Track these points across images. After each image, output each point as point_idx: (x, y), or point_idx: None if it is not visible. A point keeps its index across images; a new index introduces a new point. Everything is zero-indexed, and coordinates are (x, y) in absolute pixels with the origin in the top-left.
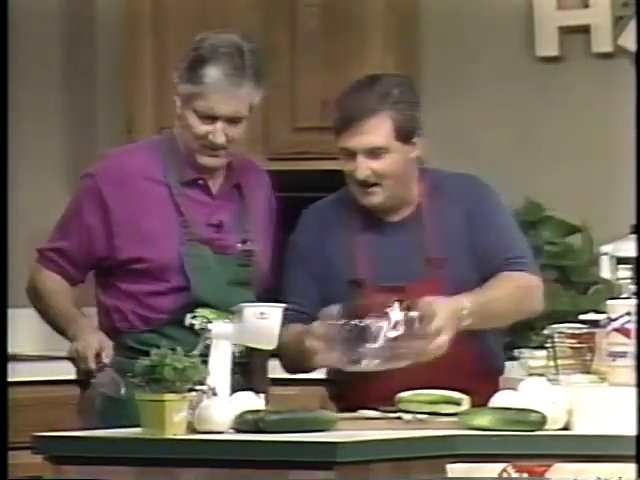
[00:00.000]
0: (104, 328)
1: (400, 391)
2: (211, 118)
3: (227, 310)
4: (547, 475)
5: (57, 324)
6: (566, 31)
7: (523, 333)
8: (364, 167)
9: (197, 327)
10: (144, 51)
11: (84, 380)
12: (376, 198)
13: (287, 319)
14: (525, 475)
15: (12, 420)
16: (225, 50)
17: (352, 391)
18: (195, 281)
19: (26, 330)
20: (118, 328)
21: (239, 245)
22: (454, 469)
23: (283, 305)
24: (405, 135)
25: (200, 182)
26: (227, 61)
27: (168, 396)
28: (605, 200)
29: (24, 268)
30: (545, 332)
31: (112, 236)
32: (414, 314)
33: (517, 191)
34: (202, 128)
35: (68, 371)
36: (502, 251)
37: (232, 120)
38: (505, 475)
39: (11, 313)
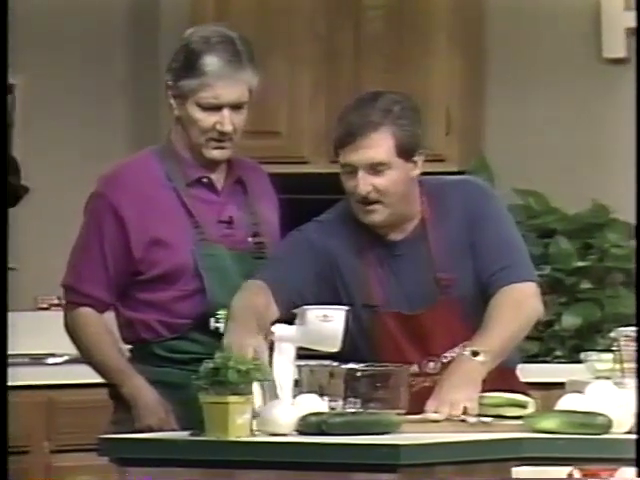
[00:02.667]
0: (127, 339)
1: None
2: (216, 108)
3: None
4: (613, 479)
5: (107, 376)
6: (633, 32)
7: (590, 336)
8: (365, 183)
9: (222, 330)
10: None
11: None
12: (377, 216)
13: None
14: (591, 478)
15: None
16: (217, 39)
17: None
18: (209, 282)
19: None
20: (144, 338)
21: (250, 239)
22: (520, 472)
23: (346, 307)
24: (406, 152)
25: (204, 180)
26: (223, 49)
27: (232, 398)
28: None
29: None
30: (611, 335)
31: (131, 248)
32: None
33: (583, 193)
34: (209, 119)
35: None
36: (496, 261)
37: (236, 107)
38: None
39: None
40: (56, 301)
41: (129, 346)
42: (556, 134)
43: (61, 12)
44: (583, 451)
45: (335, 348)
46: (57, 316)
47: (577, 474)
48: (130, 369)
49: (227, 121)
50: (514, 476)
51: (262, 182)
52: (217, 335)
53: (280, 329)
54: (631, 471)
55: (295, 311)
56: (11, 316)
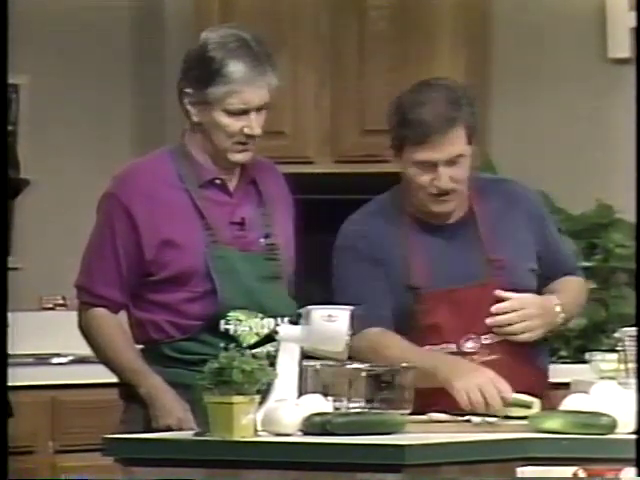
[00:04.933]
0: (138, 340)
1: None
2: (243, 112)
3: (259, 308)
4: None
5: (123, 377)
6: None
7: (594, 336)
8: (448, 177)
9: (232, 332)
10: None
11: (129, 392)
12: (450, 205)
13: (363, 322)
14: (596, 479)
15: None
16: (235, 44)
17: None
18: (221, 284)
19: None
20: (154, 339)
21: (262, 240)
22: (524, 472)
23: (351, 307)
24: (472, 137)
25: (217, 182)
26: (242, 54)
27: (236, 398)
28: None
29: None
30: (616, 335)
31: (142, 249)
32: None
33: (588, 194)
34: (236, 124)
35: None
36: (564, 260)
37: (260, 109)
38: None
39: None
40: (61, 301)
41: (140, 346)
42: (561, 134)
43: (65, 13)
44: (588, 451)
45: (339, 348)
46: (62, 316)
47: (582, 474)
48: (147, 369)
49: (255, 124)
50: (519, 476)
51: (276, 183)
52: (227, 337)
53: (285, 329)
54: (633, 471)
55: (300, 311)
56: (16, 316)
